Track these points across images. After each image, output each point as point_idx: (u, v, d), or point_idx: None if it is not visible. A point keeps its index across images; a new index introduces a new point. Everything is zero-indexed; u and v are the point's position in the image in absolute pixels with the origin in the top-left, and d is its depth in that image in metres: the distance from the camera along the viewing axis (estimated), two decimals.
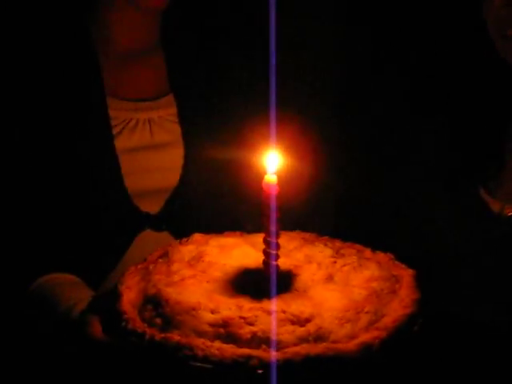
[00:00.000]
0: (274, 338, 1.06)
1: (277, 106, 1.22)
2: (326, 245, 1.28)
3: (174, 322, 1.10)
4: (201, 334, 1.08)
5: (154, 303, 1.13)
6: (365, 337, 1.07)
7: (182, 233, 1.34)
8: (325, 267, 1.22)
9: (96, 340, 1.12)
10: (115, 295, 1.17)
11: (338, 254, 1.26)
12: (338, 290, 1.16)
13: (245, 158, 1.45)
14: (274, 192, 1.15)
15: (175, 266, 1.22)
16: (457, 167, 1.41)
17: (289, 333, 1.08)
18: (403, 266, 1.24)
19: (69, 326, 1.23)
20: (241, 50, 1.54)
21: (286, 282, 1.18)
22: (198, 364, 1.04)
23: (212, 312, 1.10)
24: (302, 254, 1.25)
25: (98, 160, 1.45)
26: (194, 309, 1.10)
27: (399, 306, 1.14)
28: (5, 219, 1.41)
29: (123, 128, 1.47)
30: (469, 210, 1.39)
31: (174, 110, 1.50)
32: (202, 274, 1.20)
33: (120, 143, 1.46)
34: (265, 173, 1.15)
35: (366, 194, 1.51)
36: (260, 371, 1.03)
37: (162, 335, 1.07)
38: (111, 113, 1.47)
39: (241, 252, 1.25)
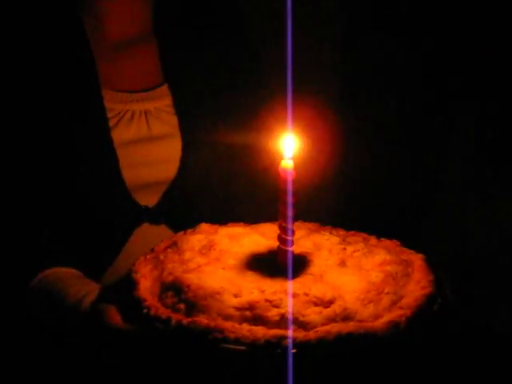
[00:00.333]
0: (301, 318, 1.06)
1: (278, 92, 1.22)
2: (331, 233, 1.29)
3: (199, 307, 1.08)
4: (227, 317, 1.07)
5: (175, 290, 1.12)
6: (391, 315, 1.09)
7: (180, 226, 1.33)
8: (336, 253, 1.22)
9: (116, 328, 1.09)
10: (130, 284, 1.15)
11: (344, 241, 1.27)
12: (353, 273, 1.17)
13: (244, 147, 1.46)
14: (290, 177, 1.16)
15: (187, 255, 1.20)
16: (488, 170, 1.42)
17: (316, 313, 1.08)
18: (411, 251, 1.26)
19: (79, 319, 1.20)
20: (238, 35, 1.54)
21: (300, 268, 1.18)
22: (230, 346, 1.03)
23: (235, 296, 1.10)
24: (311, 242, 1.25)
25: (95, 153, 1.42)
26: (218, 293, 1.09)
27: (417, 287, 1.15)
28: (2, 214, 1.37)
29: (119, 120, 1.45)
30: (499, 213, 1.41)
31: (169, 100, 1.48)
32: (216, 261, 1.19)
33: (117, 136, 1.43)
34: (280, 158, 1.15)
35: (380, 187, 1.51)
36: (294, 351, 1.02)
37: (190, 319, 1.06)
38: (106, 105, 1.44)
39: (251, 240, 1.24)
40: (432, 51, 1.39)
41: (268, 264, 1.19)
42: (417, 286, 1.16)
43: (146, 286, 1.14)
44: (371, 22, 1.58)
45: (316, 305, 1.09)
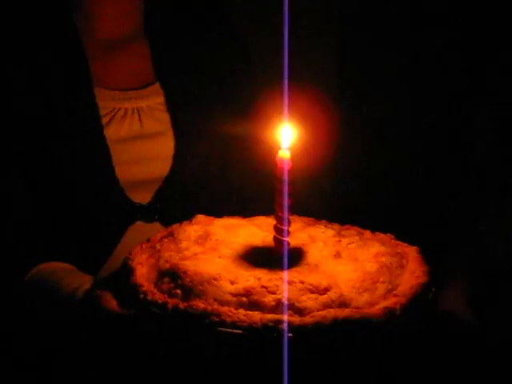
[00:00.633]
0: (297, 304, 1.07)
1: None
2: (326, 226, 1.30)
3: (195, 292, 1.09)
4: (223, 303, 1.08)
5: (171, 276, 1.12)
6: (386, 303, 1.09)
7: (173, 223, 1.32)
8: (331, 245, 1.23)
9: (112, 313, 1.10)
10: (126, 271, 1.15)
11: (339, 234, 1.28)
12: (348, 264, 1.18)
13: (238, 142, 1.47)
14: (287, 167, 1.17)
15: (184, 244, 1.21)
16: (502, 178, 1.43)
17: (312, 300, 1.08)
18: (405, 244, 1.27)
19: (74, 309, 1.20)
20: (228, 33, 1.55)
21: (296, 259, 1.19)
22: (227, 330, 1.03)
23: (232, 283, 1.10)
24: (306, 235, 1.26)
25: (88, 151, 1.43)
26: (214, 278, 1.10)
27: (412, 277, 1.16)
28: None
29: (112, 118, 1.46)
30: (505, 220, 1.41)
31: (162, 98, 1.49)
32: (212, 251, 1.19)
33: (109, 133, 1.44)
34: (277, 148, 1.16)
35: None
36: (290, 335, 1.03)
37: (186, 304, 1.06)
38: (99, 103, 1.45)
39: (247, 231, 1.25)
40: (434, 43, 1.41)
41: (264, 254, 1.19)
42: (411, 275, 1.17)
43: (143, 272, 1.15)
44: (370, 12, 1.60)
45: (312, 292, 1.10)
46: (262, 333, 1.03)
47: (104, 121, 1.45)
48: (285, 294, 1.08)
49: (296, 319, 1.05)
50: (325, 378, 1.06)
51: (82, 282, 1.24)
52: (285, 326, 1.03)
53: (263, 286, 1.09)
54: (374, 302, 1.11)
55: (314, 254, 1.20)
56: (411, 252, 1.24)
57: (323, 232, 1.27)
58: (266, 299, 1.08)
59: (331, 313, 1.05)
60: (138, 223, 1.47)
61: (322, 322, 1.04)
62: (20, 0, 1.46)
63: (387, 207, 1.48)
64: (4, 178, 1.40)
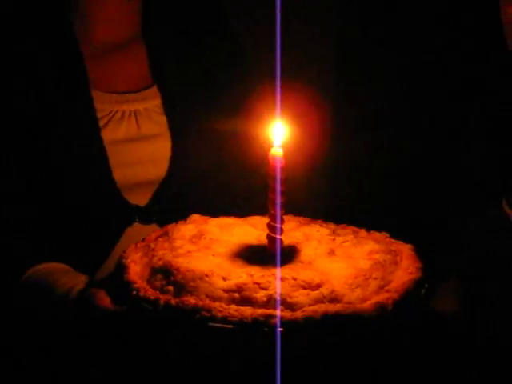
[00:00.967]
0: (289, 299, 1.07)
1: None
2: (321, 226, 1.30)
3: (187, 289, 1.10)
4: (215, 299, 1.08)
5: (164, 273, 1.13)
6: (378, 298, 1.09)
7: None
8: (325, 243, 1.24)
9: (106, 310, 1.10)
10: (120, 268, 1.16)
11: (334, 233, 1.28)
12: (342, 261, 1.18)
13: (234, 145, 1.48)
14: (279, 165, 1.17)
15: (178, 243, 1.21)
16: (481, 179, 1.43)
17: (304, 295, 1.09)
18: (400, 242, 1.27)
19: (69, 308, 1.21)
20: (224, 35, 1.57)
21: (289, 256, 1.19)
22: (218, 325, 1.03)
23: (224, 279, 1.11)
24: (301, 233, 1.26)
25: (85, 152, 1.44)
26: (206, 275, 1.11)
27: (405, 273, 1.16)
28: None
29: (109, 120, 1.47)
30: (491, 222, 1.42)
31: (159, 101, 1.50)
32: (205, 249, 1.20)
33: (107, 135, 1.45)
34: (270, 146, 1.17)
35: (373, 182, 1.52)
36: (281, 329, 1.03)
37: (178, 299, 1.07)
38: (96, 105, 1.46)
39: (241, 230, 1.26)
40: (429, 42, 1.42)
41: (257, 252, 1.20)
42: (405, 272, 1.17)
43: (136, 270, 1.16)
44: (365, 10, 1.61)
45: (304, 288, 1.10)
46: (253, 327, 1.03)
47: (101, 123, 1.46)
48: (277, 289, 1.08)
49: (287, 314, 1.05)
50: (316, 373, 1.06)
51: (77, 281, 1.25)
52: (276, 321, 1.03)
53: (255, 283, 1.10)
54: (366, 297, 1.11)
55: (307, 251, 1.21)
56: (405, 249, 1.24)
57: (318, 231, 1.28)
58: (257, 295, 1.08)
59: (322, 307, 1.06)
60: (136, 225, 1.48)
61: (313, 316, 1.04)
62: (18, 3, 1.48)
63: (382, 206, 1.48)
64: (2, 179, 1.41)
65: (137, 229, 1.46)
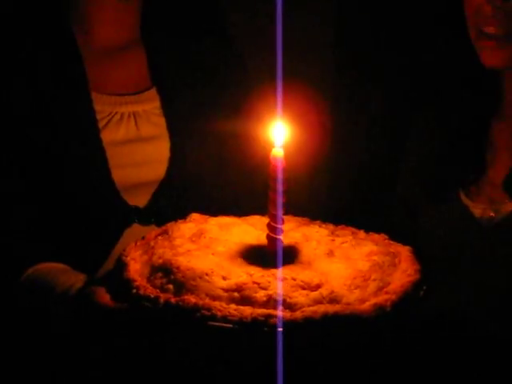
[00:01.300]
0: (288, 299, 1.08)
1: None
2: (320, 226, 1.31)
3: (187, 287, 1.10)
4: (215, 298, 1.09)
5: (164, 271, 1.13)
6: (377, 299, 1.10)
7: None
8: (324, 244, 1.24)
9: (106, 308, 1.10)
10: (120, 266, 1.16)
11: (333, 234, 1.29)
12: (341, 262, 1.19)
13: (233, 145, 1.48)
14: (280, 165, 1.18)
15: (178, 241, 1.22)
16: (438, 173, 1.46)
17: (303, 296, 1.09)
18: (398, 244, 1.28)
19: (69, 306, 1.21)
20: (223, 38, 1.57)
21: (289, 257, 1.19)
22: (218, 324, 1.04)
23: (224, 278, 1.11)
24: (300, 234, 1.27)
25: (84, 154, 1.44)
26: (207, 274, 1.11)
27: (403, 275, 1.17)
28: None
29: (108, 122, 1.47)
30: (451, 214, 1.44)
31: (158, 102, 1.51)
32: (205, 248, 1.20)
33: (106, 137, 1.46)
34: (271, 146, 1.18)
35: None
36: (280, 329, 1.04)
37: (178, 298, 1.07)
38: (96, 107, 1.47)
39: (241, 230, 1.26)
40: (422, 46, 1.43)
41: (257, 252, 1.20)
42: (403, 274, 1.17)
43: (136, 268, 1.16)
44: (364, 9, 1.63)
45: (303, 288, 1.11)
46: (252, 327, 1.04)
47: (100, 124, 1.46)
48: (278, 290, 1.09)
49: (286, 314, 1.05)
50: (315, 373, 1.06)
51: (76, 280, 1.26)
52: (275, 321, 1.04)
53: (255, 282, 1.10)
54: (364, 298, 1.11)
55: (307, 252, 1.21)
56: (404, 251, 1.24)
57: (317, 231, 1.28)
58: (257, 295, 1.08)
59: (321, 308, 1.06)
60: (135, 226, 1.48)
61: (313, 316, 1.05)
62: (17, 6, 1.48)
63: (382, 206, 1.48)
64: (2, 179, 1.42)
65: (136, 229, 1.46)
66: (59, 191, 1.44)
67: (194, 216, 1.29)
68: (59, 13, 1.49)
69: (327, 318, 1.05)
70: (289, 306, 1.08)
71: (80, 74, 1.47)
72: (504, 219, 1.38)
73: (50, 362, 1.33)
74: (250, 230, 1.26)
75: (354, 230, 1.32)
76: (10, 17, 1.47)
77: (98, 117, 1.47)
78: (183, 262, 1.14)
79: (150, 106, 1.51)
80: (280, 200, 1.18)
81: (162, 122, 1.51)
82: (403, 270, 1.18)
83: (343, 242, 1.25)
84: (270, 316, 1.04)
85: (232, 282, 1.10)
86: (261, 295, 1.08)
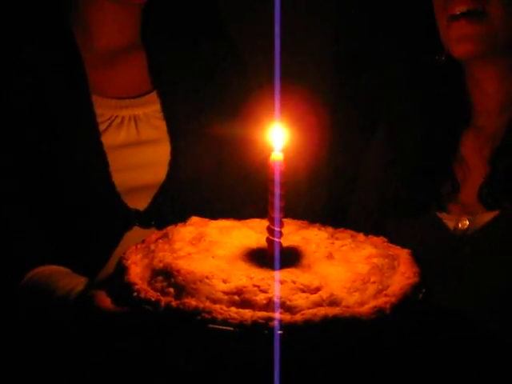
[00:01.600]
0: (288, 302, 1.08)
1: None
2: (319, 229, 1.32)
3: (188, 290, 1.10)
4: (215, 301, 1.09)
5: (165, 275, 1.14)
6: (376, 302, 1.11)
7: None
8: (324, 247, 1.25)
9: (106, 311, 1.11)
10: (121, 270, 1.17)
11: (332, 237, 1.29)
12: (340, 265, 1.19)
13: (233, 149, 1.49)
14: (279, 169, 1.19)
15: (178, 245, 1.22)
16: (411, 186, 1.46)
17: (303, 298, 1.10)
18: (398, 246, 1.28)
19: (69, 310, 1.22)
20: (223, 41, 1.58)
21: (289, 259, 1.20)
22: (218, 327, 1.04)
23: (224, 281, 1.12)
24: (299, 237, 1.28)
25: (85, 157, 1.45)
26: (207, 277, 1.12)
27: (402, 278, 1.17)
28: None
29: (109, 125, 1.48)
30: (423, 226, 1.44)
31: (158, 106, 1.52)
32: (205, 251, 1.21)
33: (107, 140, 1.47)
34: (270, 150, 1.18)
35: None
36: (280, 332, 1.04)
37: (179, 301, 1.08)
38: (96, 110, 1.48)
39: (241, 233, 1.27)
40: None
41: (257, 255, 1.21)
42: (402, 276, 1.18)
43: (136, 271, 1.16)
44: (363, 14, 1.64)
45: (303, 291, 1.11)
46: (253, 330, 1.04)
47: (101, 128, 1.47)
48: (277, 292, 1.09)
49: (286, 317, 1.06)
50: (315, 376, 1.07)
51: (77, 283, 1.26)
52: (275, 323, 1.04)
53: (255, 285, 1.11)
54: (364, 301, 1.12)
55: (306, 255, 1.22)
56: (403, 254, 1.25)
57: (316, 234, 1.29)
58: (257, 297, 1.09)
59: (321, 311, 1.07)
60: (135, 229, 1.49)
61: (312, 319, 1.05)
62: (19, 10, 1.49)
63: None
64: (2, 184, 1.42)
65: (136, 232, 1.47)
66: (60, 194, 1.44)
67: (194, 219, 1.30)
68: (60, 16, 1.50)
69: (327, 321, 1.05)
70: (289, 308, 1.08)
71: (81, 77, 1.48)
72: (479, 230, 1.38)
73: (50, 365, 1.34)
74: (250, 233, 1.27)
75: (353, 232, 1.32)
76: (11, 20, 1.48)
77: (99, 120, 1.47)
78: (183, 265, 1.14)
79: (151, 110, 1.52)
80: (279, 203, 1.19)
81: (162, 125, 1.51)
82: (402, 273, 1.19)
83: (342, 245, 1.26)
84: (270, 319, 1.05)
85: (232, 285, 1.11)
86: (261, 298, 1.09)
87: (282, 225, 1.19)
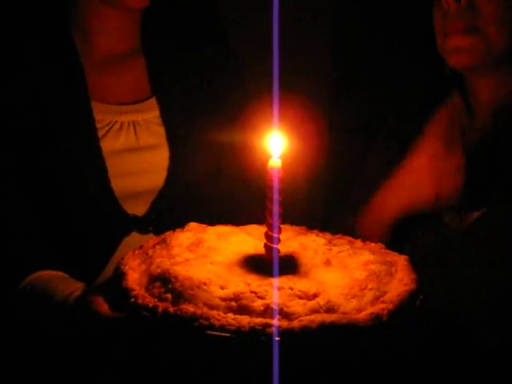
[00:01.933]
0: (285, 308, 1.09)
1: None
2: (317, 235, 1.32)
3: (185, 297, 1.10)
4: (213, 307, 1.09)
5: (162, 280, 1.14)
6: (374, 309, 1.11)
7: None
8: (321, 253, 1.25)
9: (104, 317, 1.11)
10: (118, 275, 1.17)
11: (330, 243, 1.30)
12: (338, 271, 1.20)
13: (232, 154, 1.50)
14: (277, 176, 1.19)
15: (175, 250, 1.22)
16: None
17: (300, 305, 1.10)
18: (395, 253, 1.28)
19: (67, 315, 1.22)
20: (223, 48, 1.59)
21: (286, 266, 1.20)
22: (216, 333, 1.04)
23: (222, 288, 1.12)
24: (297, 243, 1.28)
25: (84, 163, 1.46)
26: (204, 283, 1.12)
27: (400, 285, 1.18)
28: None
29: (108, 131, 1.49)
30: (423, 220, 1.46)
31: (157, 112, 1.52)
32: (203, 257, 1.21)
33: (106, 145, 1.47)
34: (268, 156, 1.18)
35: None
36: (277, 339, 1.04)
37: (176, 308, 1.08)
38: (96, 116, 1.48)
39: (239, 239, 1.27)
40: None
41: (255, 261, 1.21)
42: (400, 283, 1.18)
43: (134, 277, 1.16)
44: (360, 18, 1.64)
45: (300, 298, 1.11)
46: (250, 336, 1.04)
47: (100, 133, 1.48)
48: (274, 299, 1.10)
49: (284, 323, 1.06)
50: (312, 382, 1.07)
51: (74, 288, 1.26)
52: (273, 330, 1.04)
53: (252, 292, 1.11)
54: (361, 308, 1.12)
55: (304, 261, 1.22)
56: (400, 260, 1.25)
57: (314, 240, 1.29)
58: (254, 304, 1.09)
59: (318, 317, 1.07)
60: (134, 234, 1.49)
61: (310, 325, 1.06)
62: (19, 16, 1.49)
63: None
64: (1, 189, 1.42)
65: (134, 238, 1.48)
66: (58, 199, 1.45)
67: (192, 225, 1.30)
68: (60, 22, 1.50)
69: (324, 328, 1.06)
70: (286, 315, 1.09)
71: (80, 82, 1.48)
72: (468, 227, 1.41)
73: (47, 369, 1.34)
74: (248, 240, 1.27)
75: (350, 239, 1.32)
76: (11, 26, 1.49)
77: (98, 126, 1.48)
78: (181, 271, 1.14)
79: (150, 116, 1.52)
80: (277, 210, 1.19)
81: (161, 131, 1.52)
82: (400, 279, 1.19)
83: (340, 251, 1.26)
84: (267, 325, 1.05)
85: (230, 291, 1.11)
86: (258, 304, 1.09)
87: (279, 231, 1.20)
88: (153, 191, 1.49)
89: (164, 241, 1.26)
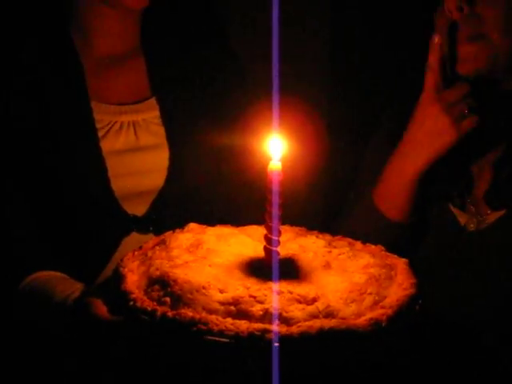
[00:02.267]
0: (284, 313, 1.08)
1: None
2: (317, 237, 1.32)
3: (184, 301, 1.10)
4: (212, 311, 1.09)
5: (161, 284, 1.13)
6: (373, 314, 1.10)
7: None
8: (321, 255, 1.25)
9: (103, 320, 1.11)
10: (117, 278, 1.16)
11: (330, 245, 1.29)
12: (337, 275, 1.19)
13: (232, 154, 1.49)
14: (277, 178, 1.18)
15: (175, 252, 1.22)
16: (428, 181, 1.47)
17: (299, 310, 1.09)
18: (395, 256, 1.28)
19: (66, 316, 1.22)
20: (223, 48, 1.58)
21: (286, 269, 1.20)
22: (214, 338, 1.04)
23: (221, 291, 1.11)
24: (297, 245, 1.28)
25: (84, 163, 1.46)
26: (203, 287, 1.11)
27: (399, 289, 1.17)
28: None
29: (108, 131, 1.49)
30: (438, 221, 1.45)
31: (157, 112, 1.53)
32: (203, 259, 1.20)
33: (105, 146, 1.47)
34: (268, 159, 1.18)
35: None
36: (276, 344, 1.04)
37: (175, 312, 1.07)
38: (95, 116, 1.48)
39: (238, 241, 1.27)
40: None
41: (254, 264, 1.21)
42: (399, 287, 1.18)
43: (133, 280, 1.16)
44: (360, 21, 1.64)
45: (299, 302, 1.11)
46: (249, 342, 1.04)
47: (100, 134, 1.48)
48: (274, 303, 1.09)
49: (282, 328, 1.05)
50: None
51: (73, 289, 1.26)
52: (272, 336, 1.04)
53: (251, 296, 1.10)
54: (360, 313, 1.11)
55: (304, 264, 1.22)
56: (400, 264, 1.24)
57: (314, 242, 1.29)
58: (253, 308, 1.09)
59: (317, 323, 1.06)
60: (133, 234, 1.49)
61: (309, 331, 1.05)
62: (18, 16, 1.49)
63: None
64: (1, 189, 1.42)
65: (134, 238, 1.48)
66: (58, 199, 1.45)
67: (192, 226, 1.30)
68: (60, 22, 1.50)
69: (323, 333, 1.05)
70: (285, 320, 1.08)
71: (80, 83, 1.48)
72: (485, 229, 1.41)
73: (47, 370, 1.34)
74: (248, 241, 1.27)
75: (350, 240, 1.32)
76: (11, 26, 1.48)
77: (98, 126, 1.48)
78: (180, 274, 1.14)
79: (150, 116, 1.52)
80: (277, 212, 1.18)
81: (161, 131, 1.51)
82: (399, 284, 1.19)
83: (340, 254, 1.25)
84: (266, 331, 1.05)
85: (229, 295, 1.11)
86: (257, 309, 1.09)
87: (279, 234, 1.19)
88: (153, 191, 1.49)
89: (163, 241, 1.26)
